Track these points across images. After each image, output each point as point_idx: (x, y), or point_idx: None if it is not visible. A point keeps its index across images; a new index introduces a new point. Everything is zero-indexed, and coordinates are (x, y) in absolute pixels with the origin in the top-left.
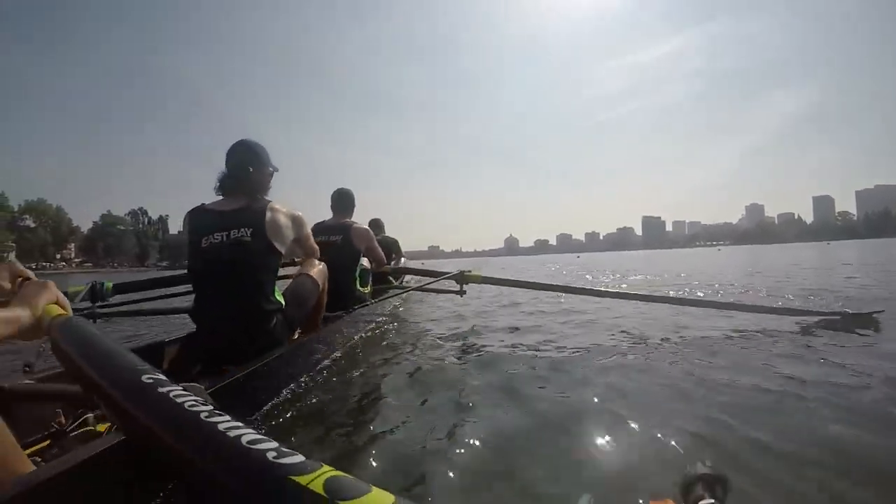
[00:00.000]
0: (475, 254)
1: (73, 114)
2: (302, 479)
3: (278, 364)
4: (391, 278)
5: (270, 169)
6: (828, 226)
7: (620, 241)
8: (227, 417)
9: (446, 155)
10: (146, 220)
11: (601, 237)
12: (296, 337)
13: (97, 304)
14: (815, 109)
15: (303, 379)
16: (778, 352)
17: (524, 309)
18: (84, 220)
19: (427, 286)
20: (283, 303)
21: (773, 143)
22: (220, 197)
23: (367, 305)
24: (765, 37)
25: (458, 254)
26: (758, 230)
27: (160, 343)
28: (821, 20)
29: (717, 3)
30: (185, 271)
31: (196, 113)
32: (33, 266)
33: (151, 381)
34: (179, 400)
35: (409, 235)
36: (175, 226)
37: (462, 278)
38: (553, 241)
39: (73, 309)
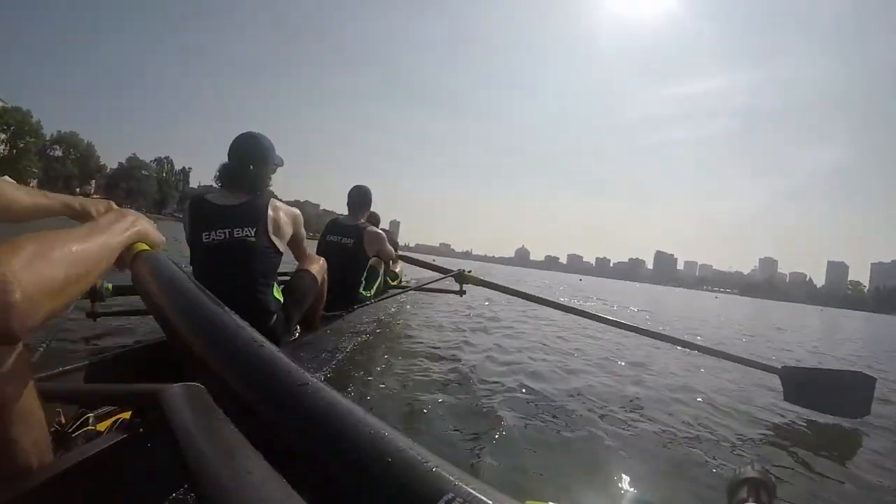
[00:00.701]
0: (485, 258)
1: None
2: None
3: None
4: (389, 278)
5: (273, 165)
6: (837, 293)
7: (630, 271)
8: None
9: (472, 154)
10: (170, 168)
11: (611, 264)
12: (296, 336)
13: (97, 304)
14: (845, 169)
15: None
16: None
17: (522, 309)
18: (112, 161)
19: (427, 286)
20: (282, 301)
21: (798, 197)
22: (219, 185)
23: (367, 305)
24: (806, 89)
25: (467, 255)
26: (766, 285)
27: (163, 341)
28: (861, 78)
29: (767, 50)
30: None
31: (230, 94)
32: None
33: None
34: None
35: (423, 230)
36: (195, 180)
37: (462, 278)
38: (563, 260)
39: (73, 307)
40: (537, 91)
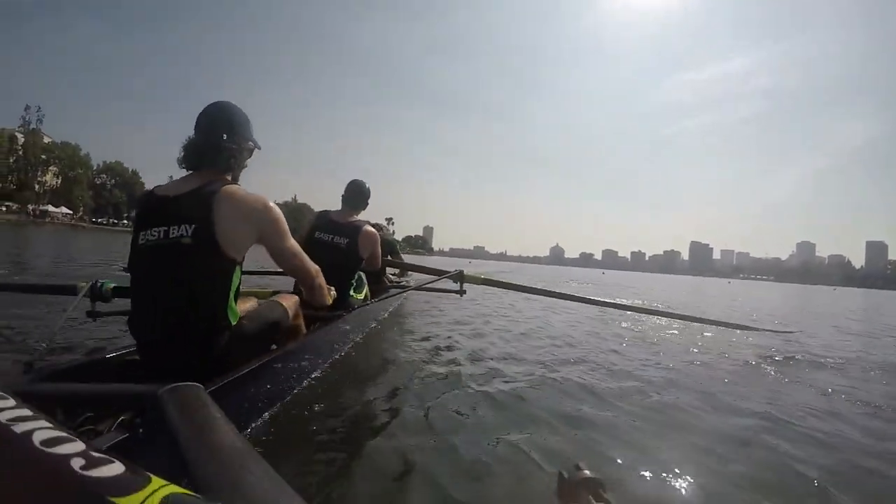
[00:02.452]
0: (519, 259)
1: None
2: (126, 501)
3: (272, 367)
4: (389, 277)
5: (249, 143)
6: (876, 273)
7: (666, 263)
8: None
9: (503, 157)
10: None
11: (647, 258)
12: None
13: (97, 304)
14: (879, 144)
15: (293, 391)
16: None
17: (521, 310)
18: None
19: (427, 286)
20: (234, 322)
21: (833, 176)
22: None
23: (367, 305)
24: (832, 62)
25: (502, 256)
26: (802, 269)
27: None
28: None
29: (787, 23)
30: None
31: (257, 101)
32: (104, 222)
33: None
34: None
35: (457, 234)
36: None
37: (461, 277)
38: (598, 256)
39: (73, 307)
40: (557, 94)
